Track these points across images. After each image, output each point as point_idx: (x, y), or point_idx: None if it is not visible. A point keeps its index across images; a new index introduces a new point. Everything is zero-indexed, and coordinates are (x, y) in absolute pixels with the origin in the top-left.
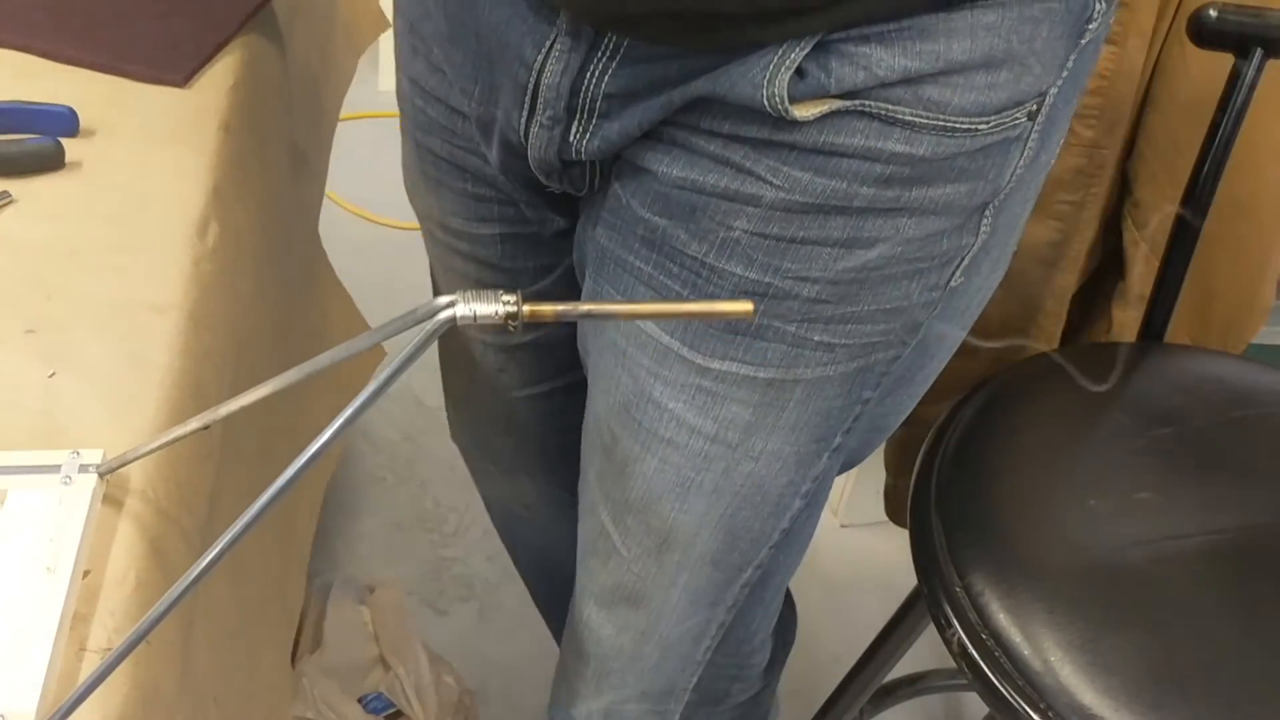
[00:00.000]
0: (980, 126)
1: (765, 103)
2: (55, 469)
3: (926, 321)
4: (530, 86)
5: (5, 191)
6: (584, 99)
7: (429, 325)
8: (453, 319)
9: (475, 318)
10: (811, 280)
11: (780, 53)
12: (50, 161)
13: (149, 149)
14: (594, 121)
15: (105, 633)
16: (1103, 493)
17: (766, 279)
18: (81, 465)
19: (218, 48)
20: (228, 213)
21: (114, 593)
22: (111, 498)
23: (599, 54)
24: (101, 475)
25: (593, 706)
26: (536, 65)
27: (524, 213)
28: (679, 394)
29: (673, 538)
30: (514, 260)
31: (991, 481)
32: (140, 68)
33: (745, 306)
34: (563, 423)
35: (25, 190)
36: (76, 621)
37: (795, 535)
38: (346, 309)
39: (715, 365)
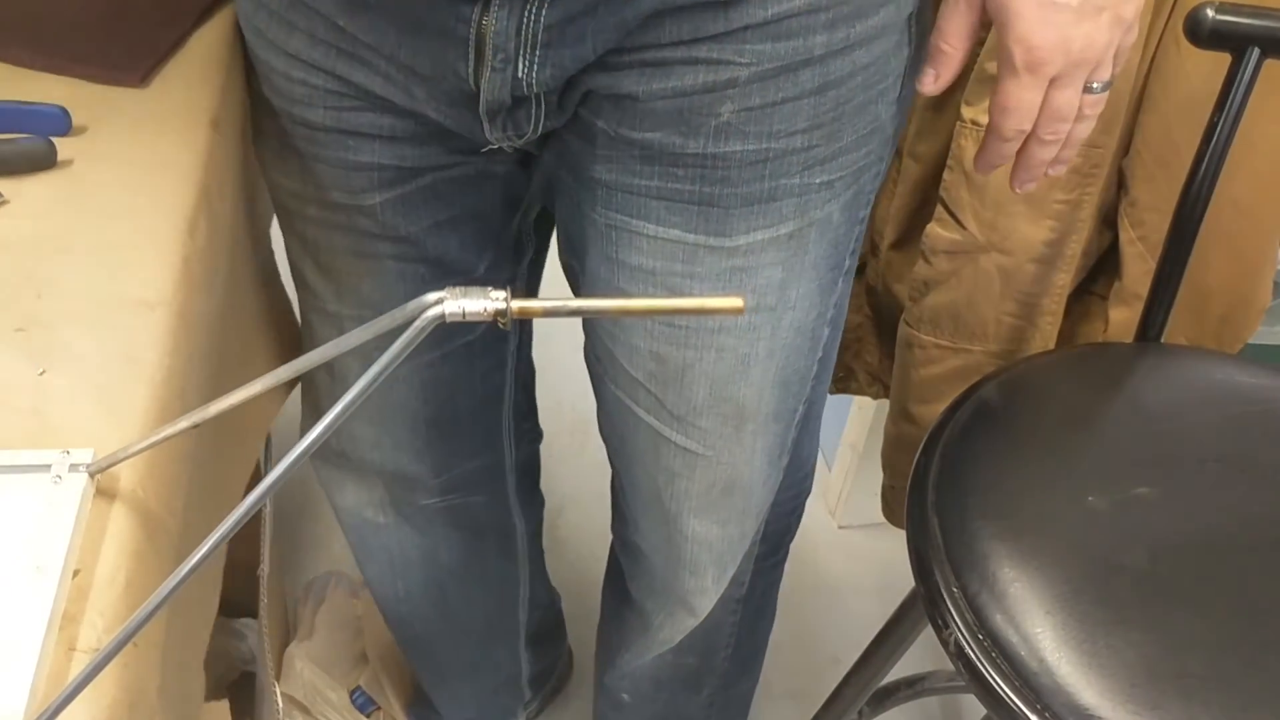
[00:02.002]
0: None
1: None
2: (45, 468)
3: (894, 131)
4: (473, 37)
5: None
6: (525, 34)
7: (417, 323)
8: (441, 316)
9: (464, 314)
10: (801, 131)
11: None
12: (42, 161)
13: (141, 147)
14: (538, 53)
15: (95, 633)
16: (1101, 489)
17: (764, 145)
18: (71, 464)
19: (174, 45)
20: (217, 210)
21: (104, 593)
22: (102, 497)
23: None
24: (91, 474)
25: (699, 617)
26: (474, 17)
27: (417, 165)
28: (716, 283)
29: (744, 412)
30: (395, 227)
31: (988, 481)
32: (94, 69)
33: (735, 303)
34: (439, 395)
35: (17, 189)
36: (66, 622)
37: (825, 360)
38: None
39: (742, 241)
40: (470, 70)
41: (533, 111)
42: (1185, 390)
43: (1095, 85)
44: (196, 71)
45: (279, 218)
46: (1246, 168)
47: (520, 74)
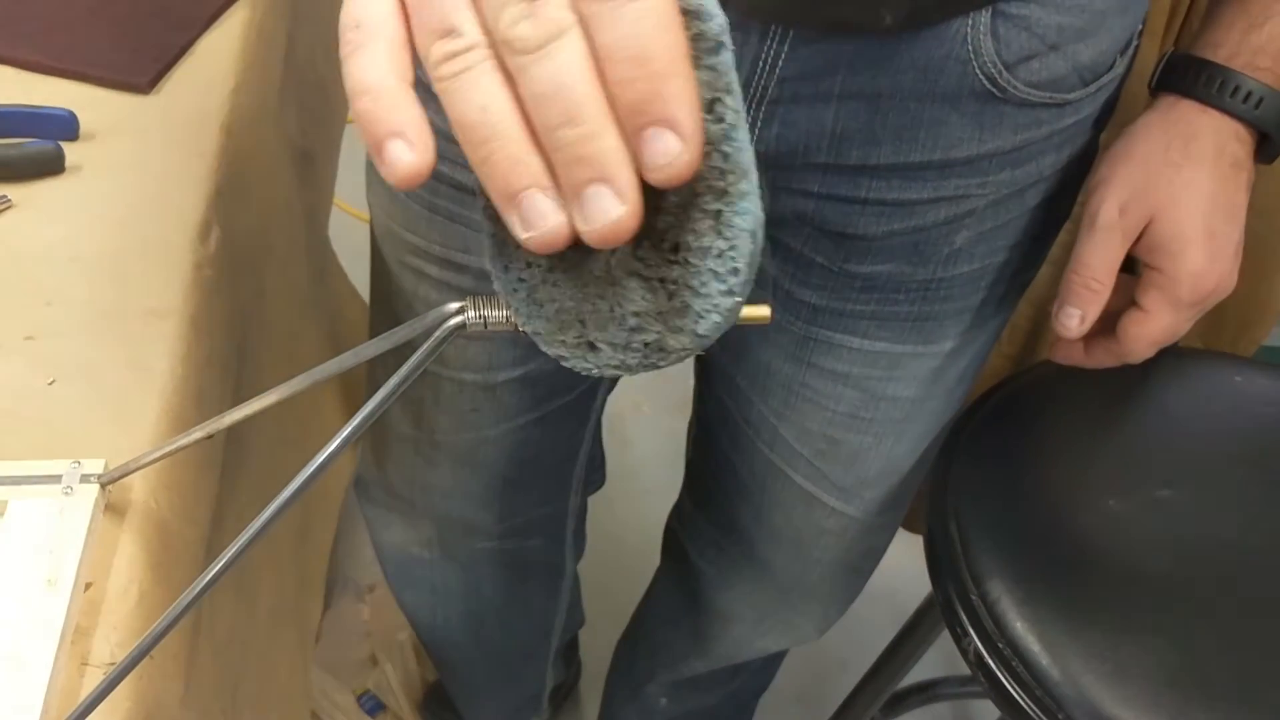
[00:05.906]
0: (1118, 68)
1: (979, 73)
2: (56, 479)
3: None
4: None
5: (4, 196)
6: (756, 87)
7: (438, 333)
8: (462, 325)
9: (485, 323)
10: (1018, 244)
11: (970, 23)
12: (50, 165)
13: (150, 152)
14: (764, 107)
15: (108, 647)
16: (1123, 492)
17: (987, 261)
18: (83, 475)
19: (182, 50)
20: (229, 216)
21: (116, 606)
22: (113, 508)
23: (770, 39)
24: (103, 485)
25: (821, 633)
26: None
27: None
28: (912, 382)
29: (904, 473)
30: None
31: (1008, 486)
32: (102, 72)
33: (763, 311)
34: (525, 454)
35: (24, 195)
36: (78, 636)
37: None
38: (361, 314)
39: (949, 346)
40: None
41: None
42: (1203, 393)
43: None
44: (206, 77)
45: (379, 265)
46: (1261, 169)
47: None
